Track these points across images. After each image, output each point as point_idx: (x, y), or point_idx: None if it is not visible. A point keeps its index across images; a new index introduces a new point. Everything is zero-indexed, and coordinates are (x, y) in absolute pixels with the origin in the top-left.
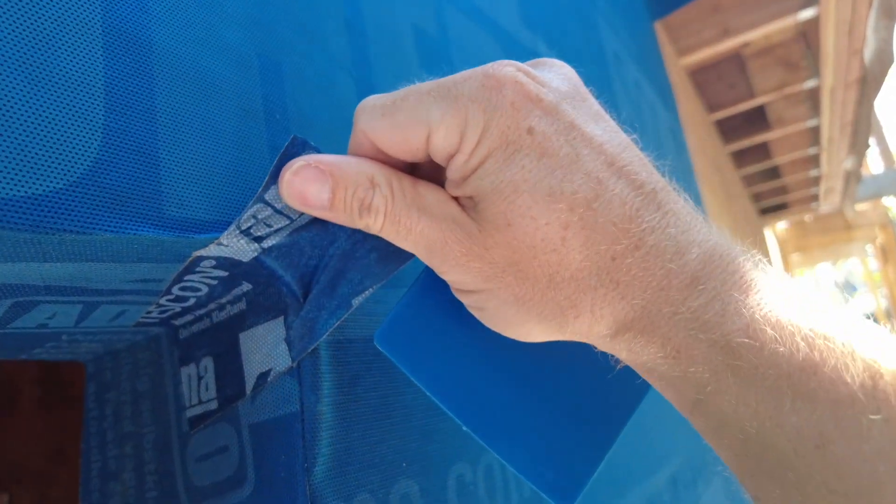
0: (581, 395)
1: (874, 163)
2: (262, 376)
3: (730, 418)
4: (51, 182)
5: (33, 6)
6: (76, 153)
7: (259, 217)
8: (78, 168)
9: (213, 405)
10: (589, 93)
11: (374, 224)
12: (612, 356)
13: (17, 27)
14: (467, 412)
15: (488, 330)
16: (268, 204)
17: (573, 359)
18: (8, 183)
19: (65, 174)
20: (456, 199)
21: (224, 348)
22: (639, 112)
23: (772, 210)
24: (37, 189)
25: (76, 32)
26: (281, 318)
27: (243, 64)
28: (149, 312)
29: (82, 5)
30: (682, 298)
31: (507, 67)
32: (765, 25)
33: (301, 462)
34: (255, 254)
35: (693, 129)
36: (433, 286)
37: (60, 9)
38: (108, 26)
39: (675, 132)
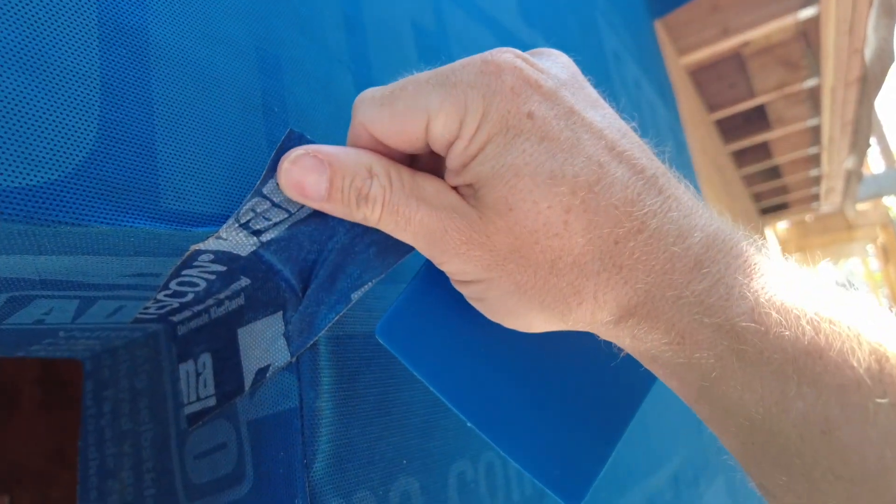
0: (585, 391)
1: (875, 162)
2: (261, 372)
3: (735, 405)
4: (46, 173)
5: None
6: (72, 144)
7: (257, 210)
8: (73, 159)
9: (212, 402)
10: (587, 81)
11: (371, 214)
12: (615, 346)
13: (12, 17)
14: (470, 407)
15: (491, 323)
16: (266, 197)
17: (577, 353)
18: (2, 174)
19: (60, 165)
20: (455, 189)
21: (222, 344)
22: (639, 111)
23: (772, 210)
24: (31, 180)
25: (72, 23)
26: (280, 314)
27: (241, 57)
28: (146, 308)
29: None
30: (685, 282)
31: (505, 54)
32: (765, 25)
33: (300, 458)
34: (254, 248)
35: (693, 129)
36: (434, 279)
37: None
38: (103, 17)
39: (676, 131)
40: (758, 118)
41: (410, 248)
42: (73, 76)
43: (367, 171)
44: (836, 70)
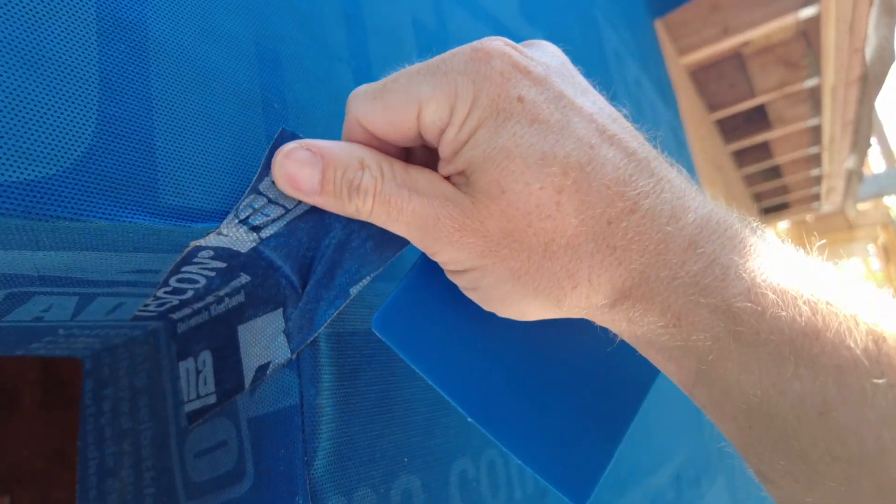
0: (587, 385)
1: (875, 162)
2: (261, 369)
3: (732, 388)
4: (44, 168)
5: None
6: (70, 139)
7: (255, 206)
8: (72, 154)
9: (212, 399)
10: (577, 70)
11: (363, 206)
12: (611, 332)
13: (10, 11)
14: (469, 401)
15: (489, 316)
16: (262, 194)
17: (578, 346)
18: (0, 168)
19: (58, 160)
20: (448, 180)
21: (222, 342)
22: (640, 110)
23: (773, 210)
24: (29, 175)
25: (69, 17)
26: (280, 311)
27: (240, 53)
28: (146, 306)
29: None
30: (680, 262)
31: (495, 41)
32: (765, 24)
33: (301, 456)
34: (254, 244)
35: (694, 129)
36: (430, 272)
37: None
38: (102, 11)
39: (676, 131)
40: (758, 118)
41: (407, 242)
42: (72, 71)
43: (358, 162)
44: (837, 69)
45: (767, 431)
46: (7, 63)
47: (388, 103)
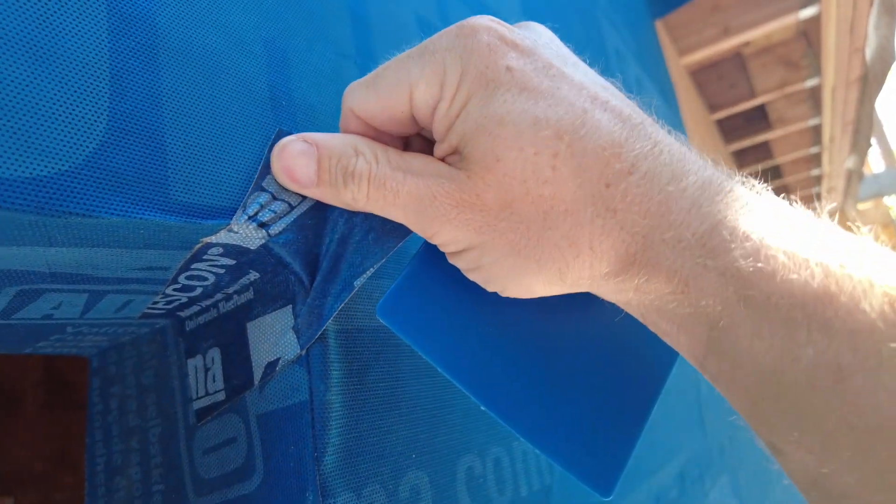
0: (603, 371)
1: (876, 162)
2: (271, 366)
3: (744, 356)
4: (56, 164)
5: None
6: (82, 135)
7: (262, 203)
8: (83, 150)
9: (221, 396)
10: (566, 46)
11: (359, 192)
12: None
13: (22, 7)
14: (481, 388)
15: (495, 299)
16: (265, 190)
17: (591, 330)
18: (12, 164)
19: (70, 156)
20: (443, 161)
21: (231, 339)
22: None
23: None
24: (41, 171)
25: (81, 13)
26: (289, 307)
27: (249, 49)
28: (155, 303)
29: None
30: (684, 223)
31: (481, 18)
32: (765, 24)
33: (311, 452)
34: (263, 241)
35: (694, 129)
36: (433, 258)
37: None
38: (113, 7)
39: (677, 131)
40: (758, 118)
41: (408, 232)
42: (83, 66)
43: (353, 150)
44: (837, 70)
45: (780, 401)
46: (20, 59)
47: (380, 90)
